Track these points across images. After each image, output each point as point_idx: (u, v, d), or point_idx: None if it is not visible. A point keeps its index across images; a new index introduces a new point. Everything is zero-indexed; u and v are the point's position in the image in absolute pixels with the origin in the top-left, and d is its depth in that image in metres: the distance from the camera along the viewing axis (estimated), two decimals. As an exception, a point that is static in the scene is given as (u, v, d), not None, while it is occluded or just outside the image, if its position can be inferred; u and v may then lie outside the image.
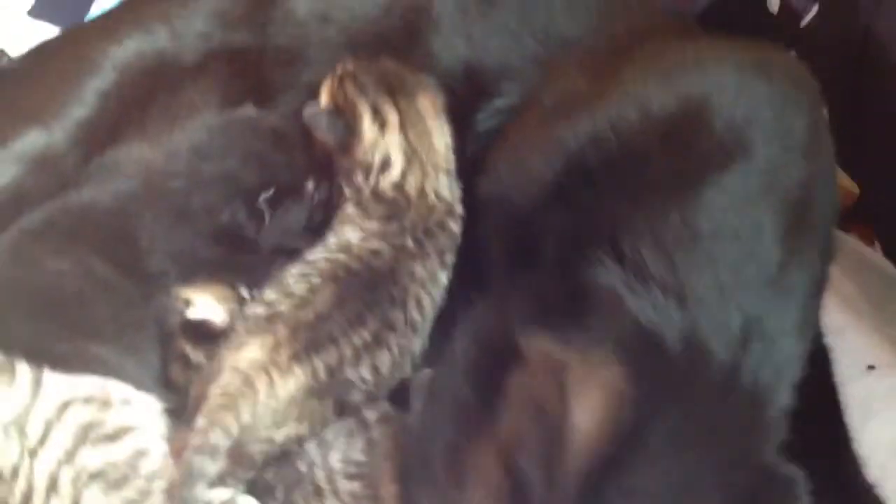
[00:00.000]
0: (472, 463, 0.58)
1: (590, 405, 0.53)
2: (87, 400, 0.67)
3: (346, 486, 0.65)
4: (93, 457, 0.64)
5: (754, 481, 0.57)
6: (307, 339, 0.67)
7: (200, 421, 0.63)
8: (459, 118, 0.80)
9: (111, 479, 0.63)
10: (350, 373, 0.67)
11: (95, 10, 0.97)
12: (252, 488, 0.65)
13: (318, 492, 0.65)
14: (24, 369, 0.67)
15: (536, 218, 0.69)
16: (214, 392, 0.64)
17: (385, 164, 0.75)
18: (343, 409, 0.67)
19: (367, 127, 0.76)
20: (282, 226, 0.77)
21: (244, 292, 0.76)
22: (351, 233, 0.73)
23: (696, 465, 0.56)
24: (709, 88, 0.67)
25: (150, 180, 0.78)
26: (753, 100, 0.65)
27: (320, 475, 0.65)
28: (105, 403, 0.67)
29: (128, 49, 0.85)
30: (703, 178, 0.62)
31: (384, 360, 0.68)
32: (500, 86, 0.80)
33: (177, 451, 0.65)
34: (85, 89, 0.83)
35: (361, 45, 0.84)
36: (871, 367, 0.88)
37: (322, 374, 0.66)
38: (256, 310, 0.70)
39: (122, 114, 0.84)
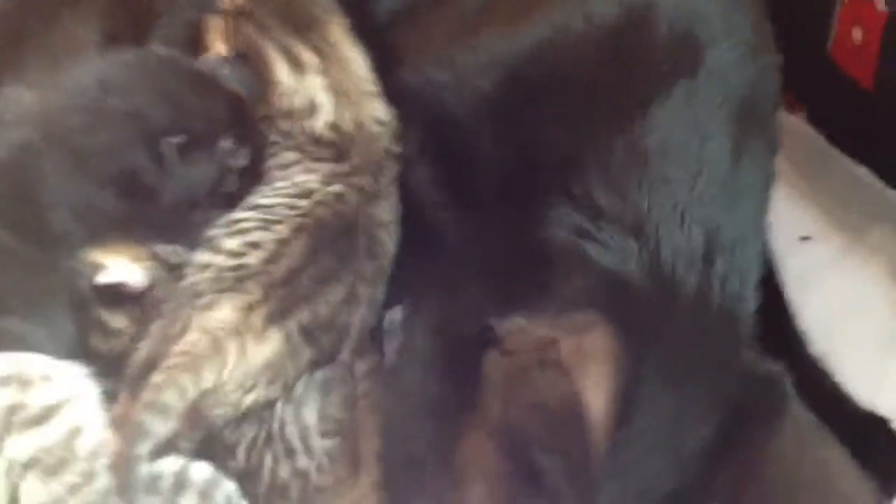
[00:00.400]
0: (465, 457, 0.56)
1: (595, 379, 0.51)
2: (3, 381, 0.60)
3: (321, 443, 0.61)
4: (21, 444, 0.58)
5: (742, 389, 0.58)
6: (281, 298, 0.63)
7: (156, 377, 0.57)
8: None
9: (47, 466, 0.57)
10: (323, 332, 0.63)
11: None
12: (208, 448, 0.61)
13: (290, 452, 0.61)
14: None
15: (473, 136, 0.66)
16: (177, 350, 0.58)
17: (312, 109, 0.71)
18: (317, 365, 0.63)
19: (283, 74, 0.71)
20: (187, 179, 0.70)
21: (162, 250, 0.69)
22: (304, 176, 0.69)
23: (686, 396, 0.56)
24: None
25: (48, 122, 0.69)
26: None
27: (292, 432, 0.61)
28: (24, 382, 0.61)
29: None
30: (650, 96, 0.61)
31: (357, 315, 0.64)
32: None
33: (118, 418, 0.59)
34: None
35: None
36: (805, 238, 0.91)
37: (296, 336, 0.62)
38: (221, 262, 0.64)
39: None
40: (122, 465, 0.58)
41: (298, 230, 0.66)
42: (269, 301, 0.63)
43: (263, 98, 0.71)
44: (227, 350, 0.60)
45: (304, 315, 0.63)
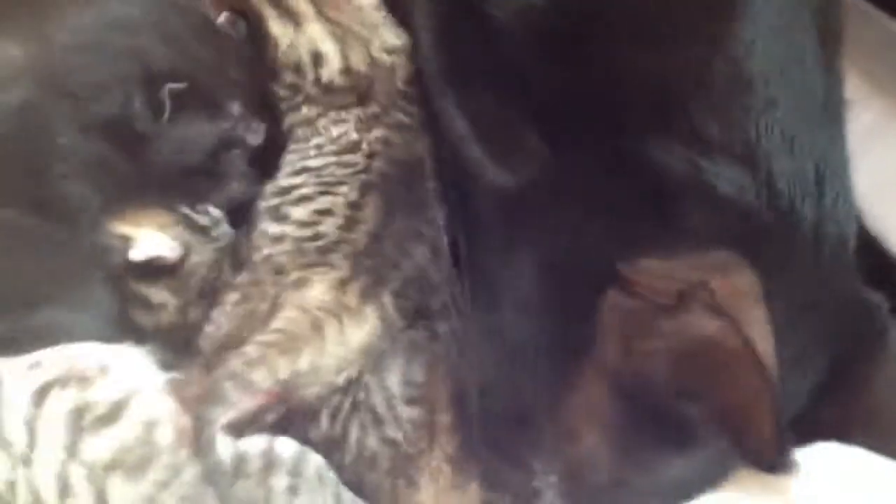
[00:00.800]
0: (577, 409, 0.54)
1: (758, 321, 0.48)
2: (61, 381, 0.57)
3: (407, 411, 0.60)
4: (98, 447, 0.56)
5: (852, 318, 0.56)
6: (369, 269, 0.60)
7: (249, 349, 0.56)
8: None
9: (130, 465, 0.56)
10: (414, 297, 0.60)
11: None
12: (286, 416, 0.59)
13: (377, 420, 0.59)
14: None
15: (537, 65, 0.60)
16: (274, 326, 0.57)
17: (317, 59, 0.66)
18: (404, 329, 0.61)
19: (278, 29, 0.66)
20: (183, 135, 0.64)
21: (189, 212, 0.65)
22: (337, 128, 0.65)
23: (809, 331, 0.54)
24: None
25: (44, 71, 0.63)
26: None
27: (378, 400, 0.60)
28: (83, 380, 0.58)
29: None
30: (733, 4, 0.55)
31: (444, 270, 0.62)
32: None
33: (191, 399, 0.57)
34: None
35: None
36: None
37: (391, 309, 0.60)
38: (294, 232, 0.62)
39: None
40: (199, 441, 0.57)
41: (365, 189, 0.63)
42: (359, 275, 0.60)
43: (262, 54, 0.66)
44: (327, 332, 0.58)
45: (395, 283, 0.61)
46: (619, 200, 0.55)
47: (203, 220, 0.66)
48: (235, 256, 0.66)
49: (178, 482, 0.56)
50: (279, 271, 0.61)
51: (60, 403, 0.57)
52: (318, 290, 0.60)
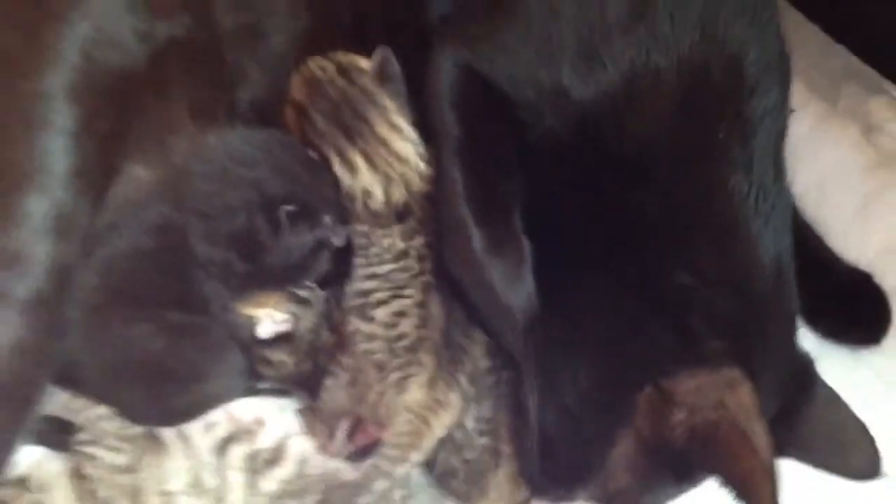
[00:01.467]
0: (615, 457, 0.74)
1: (759, 428, 0.68)
2: (233, 437, 0.78)
3: (479, 440, 0.82)
4: (269, 481, 0.77)
5: (795, 373, 0.79)
6: (448, 360, 0.80)
7: (391, 452, 0.78)
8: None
9: (294, 493, 0.77)
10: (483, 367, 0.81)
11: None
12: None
13: (458, 448, 0.82)
14: (168, 434, 0.77)
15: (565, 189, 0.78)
16: (399, 430, 0.78)
17: (366, 195, 0.83)
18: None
19: (339, 171, 0.82)
20: (292, 244, 0.82)
21: (295, 290, 0.84)
22: (386, 241, 0.82)
23: (773, 394, 0.75)
24: None
25: (177, 194, 0.81)
26: None
27: (458, 435, 0.82)
28: (248, 433, 0.79)
29: (65, 69, 0.80)
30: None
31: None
32: None
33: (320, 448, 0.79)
34: (52, 134, 0.79)
35: None
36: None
37: (467, 386, 0.81)
38: (381, 332, 0.80)
39: (102, 149, 0.81)
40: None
41: (426, 289, 0.81)
42: (442, 369, 0.80)
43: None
44: (432, 424, 0.79)
45: (467, 366, 0.81)
46: (647, 324, 0.73)
47: (304, 293, 0.85)
48: (329, 320, 0.85)
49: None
50: (381, 368, 0.80)
51: (237, 454, 0.78)
52: (416, 394, 0.79)
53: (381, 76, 0.84)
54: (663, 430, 0.71)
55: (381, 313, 0.81)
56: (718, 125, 0.78)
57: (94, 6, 0.81)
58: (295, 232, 0.81)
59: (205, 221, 0.81)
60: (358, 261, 0.83)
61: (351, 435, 0.80)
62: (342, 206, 0.83)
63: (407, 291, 0.81)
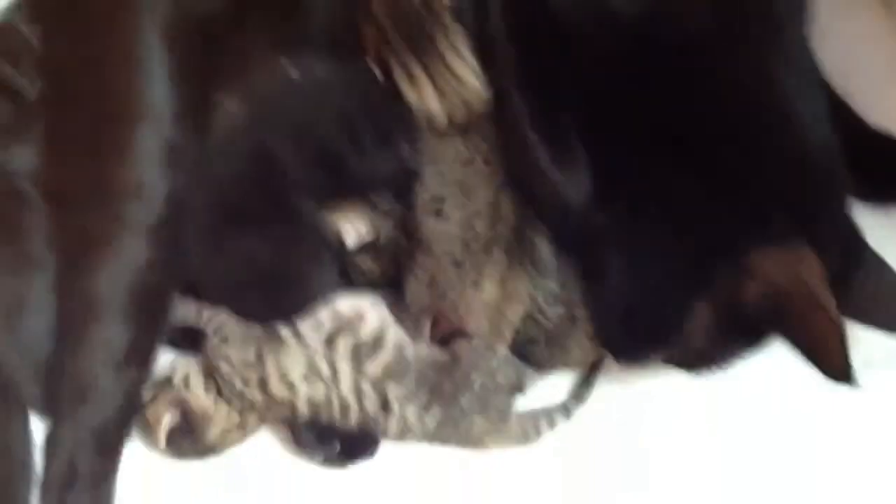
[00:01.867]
0: (698, 318, 0.84)
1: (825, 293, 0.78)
2: (339, 330, 0.92)
3: (554, 310, 0.93)
4: (374, 365, 0.91)
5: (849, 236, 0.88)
6: (519, 257, 0.91)
7: (477, 343, 0.91)
8: None
9: (396, 372, 0.91)
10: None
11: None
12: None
13: (534, 318, 0.94)
14: (285, 332, 0.91)
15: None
16: (480, 327, 0.90)
17: (430, 115, 0.92)
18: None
19: (406, 88, 0.92)
20: (374, 164, 0.93)
21: (380, 204, 0.96)
22: (452, 149, 0.93)
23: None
24: None
25: (266, 122, 0.93)
26: None
27: (534, 308, 0.94)
28: (350, 325, 0.92)
29: (159, 18, 0.91)
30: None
31: None
32: None
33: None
34: (155, 75, 0.91)
35: None
36: None
37: (534, 274, 0.92)
38: (456, 231, 0.90)
39: (198, 87, 0.92)
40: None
41: (497, 191, 0.90)
42: (513, 267, 0.90)
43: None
44: (507, 315, 0.91)
45: (535, 256, 0.92)
46: (724, 209, 0.82)
47: (384, 205, 0.96)
48: (406, 227, 0.96)
49: (426, 380, 0.92)
50: (458, 265, 0.89)
51: (343, 345, 0.91)
52: (490, 290, 0.89)
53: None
54: (739, 301, 0.82)
55: (456, 214, 0.91)
56: (752, 22, 0.86)
57: None
58: (376, 155, 0.92)
59: (293, 144, 0.92)
60: (427, 168, 0.93)
61: (435, 325, 0.93)
62: (416, 131, 0.93)
63: (479, 193, 0.91)
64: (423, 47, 0.91)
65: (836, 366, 0.78)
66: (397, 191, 0.96)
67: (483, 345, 0.91)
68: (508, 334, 0.93)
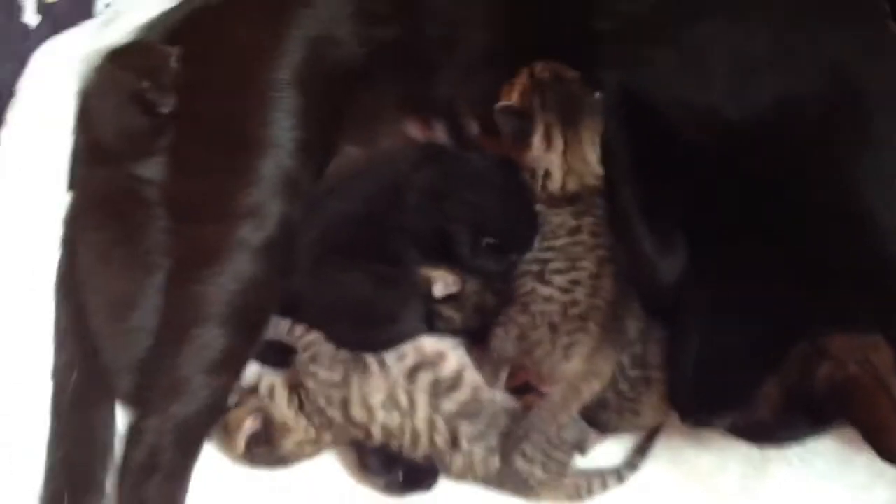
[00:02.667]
0: (760, 396, 0.92)
1: (892, 380, 0.85)
2: (420, 365, 0.99)
3: (631, 373, 1.00)
4: (449, 403, 0.98)
5: None
6: (612, 335, 0.95)
7: (544, 412, 0.96)
8: None
9: (469, 412, 0.97)
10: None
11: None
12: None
13: (613, 380, 0.99)
14: (370, 360, 0.98)
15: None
16: (554, 398, 0.96)
17: (547, 175, 1.00)
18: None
19: (537, 142, 1.00)
20: (481, 265, 1.02)
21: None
22: (557, 218, 1.00)
23: None
24: None
25: (391, 182, 1.03)
26: None
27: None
28: (431, 363, 0.99)
29: (296, 62, 1.01)
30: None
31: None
32: None
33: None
34: (282, 114, 1.00)
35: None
36: None
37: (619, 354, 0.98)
38: (558, 296, 0.96)
39: (322, 128, 1.01)
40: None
41: (601, 262, 0.96)
42: (606, 342, 0.95)
43: (521, 149, 1.02)
44: (583, 393, 0.96)
45: (625, 337, 0.98)
46: (810, 296, 0.90)
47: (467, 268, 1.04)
48: (492, 287, 1.04)
49: (495, 424, 0.99)
50: (553, 329, 0.94)
51: (424, 380, 0.98)
52: (577, 364, 0.94)
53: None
54: (809, 379, 0.90)
55: (558, 279, 0.96)
56: (847, 139, 0.94)
57: (322, 13, 1.02)
58: (486, 259, 1.01)
59: (412, 204, 1.02)
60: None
61: (513, 375, 1.00)
62: (533, 237, 1.01)
63: (582, 263, 0.96)
64: (569, 120, 1.01)
65: (893, 449, 0.85)
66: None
67: (553, 406, 0.97)
68: (576, 411, 0.98)
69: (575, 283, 0.97)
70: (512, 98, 1.02)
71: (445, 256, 1.03)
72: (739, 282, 0.95)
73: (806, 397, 0.91)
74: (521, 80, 1.02)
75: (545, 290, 0.97)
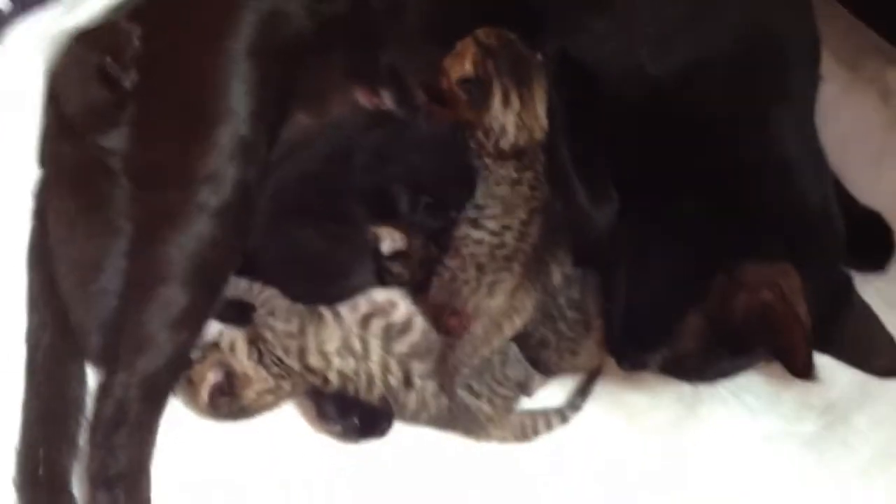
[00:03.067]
0: (686, 328, 0.99)
1: (801, 305, 0.92)
2: (373, 313, 1.06)
3: (570, 314, 1.07)
4: (401, 345, 1.05)
5: (839, 285, 1.04)
6: (532, 272, 1.02)
7: (466, 347, 1.02)
8: None
9: (420, 352, 1.04)
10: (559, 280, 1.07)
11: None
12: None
13: (552, 318, 1.07)
14: (324, 310, 1.05)
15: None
16: (475, 333, 1.02)
17: (501, 132, 1.07)
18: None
19: (496, 104, 1.08)
20: (420, 222, 1.09)
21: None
22: (502, 171, 1.08)
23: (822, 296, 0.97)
24: None
25: (341, 141, 1.09)
26: None
27: (554, 312, 1.07)
28: (383, 310, 1.06)
29: (249, 35, 1.08)
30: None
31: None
32: None
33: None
34: (237, 84, 1.06)
35: None
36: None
37: (541, 294, 1.05)
38: (488, 238, 1.03)
39: (275, 96, 1.08)
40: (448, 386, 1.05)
41: (532, 211, 1.04)
42: (526, 279, 1.02)
43: (478, 111, 1.09)
44: (504, 328, 1.02)
45: (546, 280, 1.06)
46: (724, 228, 0.98)
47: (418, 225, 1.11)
48: (437, 241, 1.10)
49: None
50: (480, 269, 1.02)
51: (376, 325, 1.05)
52: (499, 300, 1.01)
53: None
54: (728, 308, 0.97)
55: (491, 224, 1.04)
56: (765, 92, 1.04)
57: None
58: (425, 215, 1.08)
59: (357, 167, 1.09)
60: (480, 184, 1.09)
61: (444, 318, 1.06)
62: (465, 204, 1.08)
63: (517, 211, 1.05)
64: (523, 81, 1.09)
65: (802, 366, 0.93)
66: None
67: (475, 339, 1.04)
68: (497, 345, 1.05)
69: (506, 227, 1.05)
70: (465, 68, 1.09)
71: (392, 215, 1.10)
72: (660, 223, 1.03)
73: (727, 326, 0.98)
74: (470, 50, 1.10)
75: (477, 234, 1.05)
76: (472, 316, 1.02)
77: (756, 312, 0.96)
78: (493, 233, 1.05)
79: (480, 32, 1.10)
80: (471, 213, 1.07)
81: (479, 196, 1.08)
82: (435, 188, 1.07)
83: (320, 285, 1.07)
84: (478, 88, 1.09)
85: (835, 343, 1.02)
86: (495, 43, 1.09)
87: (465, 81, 1.09)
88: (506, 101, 1.08)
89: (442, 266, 1.07)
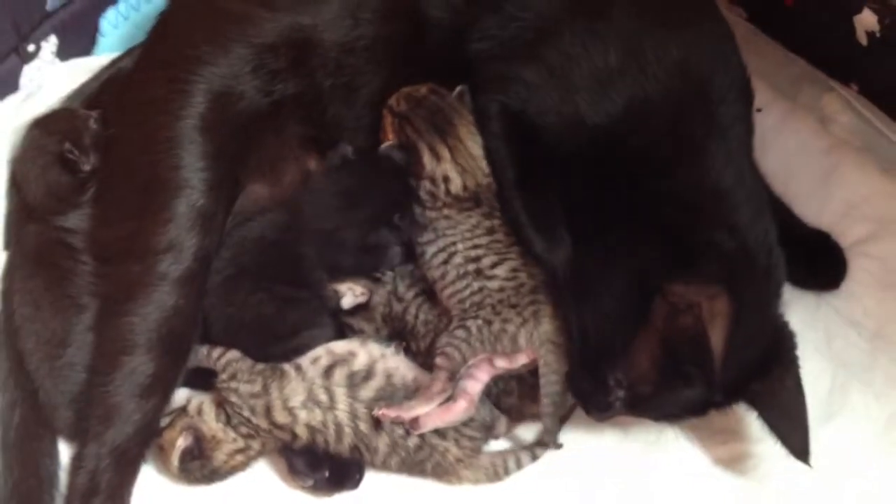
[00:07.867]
0: (636, 348, 1.05)
1: (719, 331, 0.97)
2: (335, 363, 1.13)
3: None
4: (366, 391, 1.12)
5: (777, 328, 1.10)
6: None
7: (552, 376, 1.10)
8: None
9: (386, 396, 1.12)
10: None
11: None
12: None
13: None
14: (287, 367, 1.13)
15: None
16: (548, 359, 1.10)
17: (446, 180, 1.18)
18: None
19: (427, 160, 1.19)
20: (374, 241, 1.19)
21: (381, 275, 1.21)
22: (471, 220, 1.17)
23: (758, 336, 1.06)
24: None
25: (300, 216, 1.19)
26: None
27: None
28: (343, 360, 1.14)
29: (201, 113, 1.17)
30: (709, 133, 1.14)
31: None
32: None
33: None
34: (191, 158, 1.15)
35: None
36: (758, 110, 1.29)
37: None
38: (508, 284, 1.13)
39: (229, 168, 1.18)
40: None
41: (522, 254, 1.15)
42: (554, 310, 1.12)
43: (415, 170, 1.20)
44: (561, 345, 1.11)
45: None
46: (668, 254, 1.05)
47: (378, 274, 1.21)
48: (396, 295, 1.20)
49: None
50: (515, 306, 1.11)
51: (339, 374, 1.12)
52: (547, 325, 1.10)
53: (461, 99, 1.23)
54: (673, 328, 1.03)
55: (499, 271, 1.13)
56: (699, 131, 1.14)
57: (224, 70, 1.19)
58: (365, 261, 1.20)
59: (309, 232, 1.19)
60: (440, 242, 1.17)
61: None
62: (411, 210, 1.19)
63: (510, 255, 1.14)
64: (444, 130, 1.20)
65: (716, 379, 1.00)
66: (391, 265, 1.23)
67: (552, 365, 1.11)
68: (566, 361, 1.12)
69: (514, 270, 1.14)
70: (389, 138, 1.21)
71: (350, 272, 1.20)
72: (602, 253, 1.12)
73: (676, 354, 1.04)
74: (387, 121, 1.21)
75: (493, 284, 1.13)
76: (528, 348, 1.10)
77: (686, 333, 1.02)
78: (507, 278, 1.13)
79: (392, 100, 1.22)
80: (469, 266, 1.14)
81: (466, 249, 1.16)
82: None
83: (267, 346, 1.15)
84: (406, 154, 1.20)
85: (761, 400, 1.08)
86: (405, 107, 1.20)
87: (391, 150, 1.21)
88: (436, 156, 1.19)
89: (461, 327, 1.13)
